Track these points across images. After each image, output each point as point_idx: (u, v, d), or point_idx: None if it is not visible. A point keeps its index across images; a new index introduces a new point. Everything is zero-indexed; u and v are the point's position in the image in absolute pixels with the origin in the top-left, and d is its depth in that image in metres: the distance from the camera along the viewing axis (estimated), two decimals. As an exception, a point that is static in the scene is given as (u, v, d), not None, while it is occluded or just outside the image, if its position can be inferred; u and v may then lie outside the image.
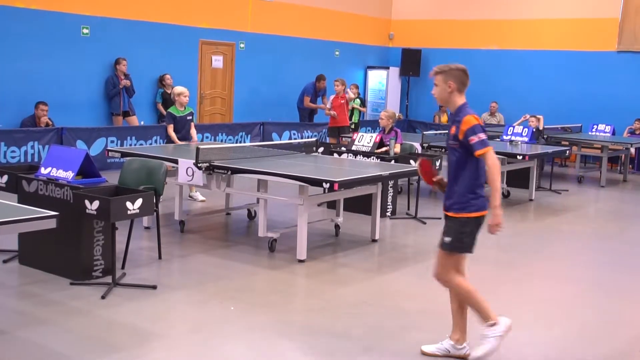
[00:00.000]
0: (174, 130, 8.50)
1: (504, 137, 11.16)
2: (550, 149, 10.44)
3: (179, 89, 8.66)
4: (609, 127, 13.65)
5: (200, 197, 8.88)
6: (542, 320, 5.25)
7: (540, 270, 6.62)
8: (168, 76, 12.29)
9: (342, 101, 12.15)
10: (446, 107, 4.64)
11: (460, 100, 4.40)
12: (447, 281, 4.38)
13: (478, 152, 4.10)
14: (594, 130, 13.63)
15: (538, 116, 12.84)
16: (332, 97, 12.41)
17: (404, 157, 8.30)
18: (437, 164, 8.20)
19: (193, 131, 8.71)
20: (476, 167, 4.20)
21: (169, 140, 8.58)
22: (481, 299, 4.30)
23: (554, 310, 5.51)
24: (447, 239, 4.27)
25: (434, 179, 4.47)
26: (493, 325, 4.27)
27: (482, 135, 4.14)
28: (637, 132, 14.04)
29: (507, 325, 4.28)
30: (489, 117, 15.43)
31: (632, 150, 13.08)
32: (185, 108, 8.57)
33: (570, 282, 6.39)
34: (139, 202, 5.19)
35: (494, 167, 4.13)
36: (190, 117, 8.66)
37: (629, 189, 11.96)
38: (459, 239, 4.22)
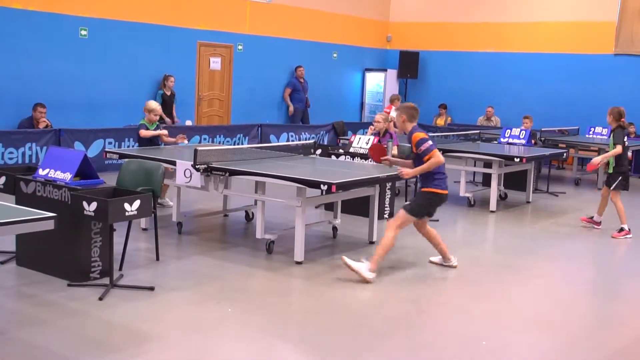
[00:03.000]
0: (143, 140, 8.28)
1: (502, 139, 11.18)
2: (547, 152, 10.47)
3: (151, 104, 8.35)
4: (606, 129, 13.65)
5: (170, 203, 8.47)
6: (540, 321, 5.27)
7: (537, 272, 6.63)
8: (172, 78, 12.24)
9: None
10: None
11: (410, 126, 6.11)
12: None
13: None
14: (591, 132, 13.65)
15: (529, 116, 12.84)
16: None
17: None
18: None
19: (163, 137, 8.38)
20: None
21: (143, 142, 8.31)
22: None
23: (552, 312, 5.52)
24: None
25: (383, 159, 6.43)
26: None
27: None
28: (632, 136, 14.08)
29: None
30: (485, 121, 15.47)
31: (629, 153, 13.11)
32: (153, 124, 8.30)
33: (568, 283, 6.41)
34: (137, 203, 5.20)
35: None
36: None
37: (626, 192, 11.98)
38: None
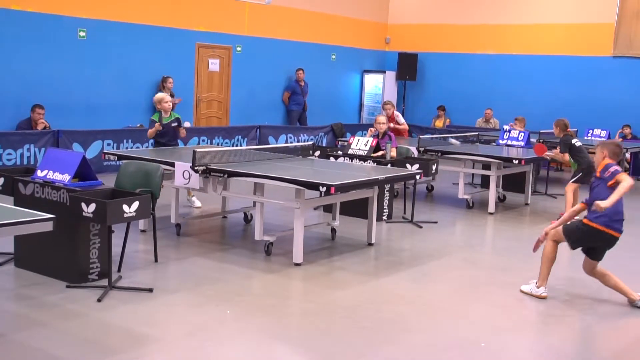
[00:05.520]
0: (159, 136, 8.28)
1: (500, 141, 11.19)
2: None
3: (158, 96, 8.37)
4: (605, 131, 13.69)
5: (197, 203, 8.75)
6: (539, 323, 5.27)
7: (536, 274, 6.62)
8: (171, 79, 12.26)
9: (392, 124, 11.64)
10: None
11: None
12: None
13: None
14: (589, 134, 13.67)
15: (521, 118, 12.85)
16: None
17: (400, 161, 8.31)
18: (433, 168, 8.23)
19: (182, 133, 8.42)
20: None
21: (158, 143, 8.35)
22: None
23: (551, 314, 5.52)
24: None
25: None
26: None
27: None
28: (629, 137, 14.10)
29: None
30: (484, 123, 15.48)
31: (627, 155, 13.12)
32: (170, 114, 8.25)
33: (566, 285, 6.40)
34: (135, 205, 5.19)
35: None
36: (176, 124, 8.30)
37: (625, 194, 11.99)
38: None
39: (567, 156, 8.88)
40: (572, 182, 8.82)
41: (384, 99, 17.04)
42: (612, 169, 5.51)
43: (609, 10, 14.84)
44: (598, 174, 5.65)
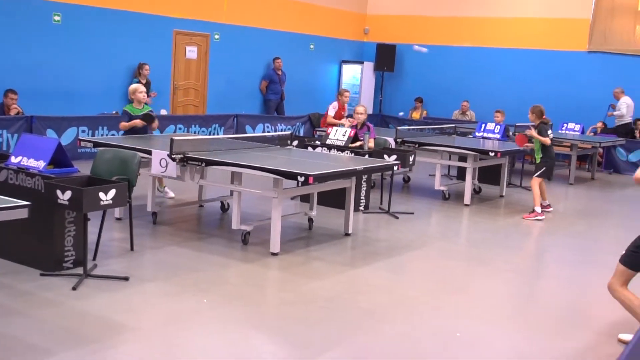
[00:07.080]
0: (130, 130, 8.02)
1: (477, 134, 11.28)
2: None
3: (133, 86, 8.19)
4: (579, 125, 13.87)
5: (171, 194, 8.55)
6: (513, 313, 5.34)
7: (510, 266, 6.72)
8: (147, 67, 12.14)
9: (342, 112, 11.50)
10: None
11: None
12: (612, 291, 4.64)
13: None
14: (563, 128, 13.85)
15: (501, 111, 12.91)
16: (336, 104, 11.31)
17: (378, 151, 8.34)
18: (411, 159, 8.28)
19: (153, 126, 8.15)
20: None
21: (127, 132, 8.02)
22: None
23: (524, 304, 5.60)
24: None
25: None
26: None
27: None
28: (599, 132, 14.32)
29: None
30: (460, 115, 15.59)
31: (600, 149, 13.33)
32: (143, 106, 8.04)
33: (540, 277, 6.51)
34: (112, 192, 5.14)
35: None
36: (146, 121, 8.00)
37: (597, 187, 12.19)
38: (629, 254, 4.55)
39: (548, 140, 8.77)
40: (536, 176, 8.95)
41: (364, 89, 17.13)
42: None
43: (584, 6, 15.02)
44: None
